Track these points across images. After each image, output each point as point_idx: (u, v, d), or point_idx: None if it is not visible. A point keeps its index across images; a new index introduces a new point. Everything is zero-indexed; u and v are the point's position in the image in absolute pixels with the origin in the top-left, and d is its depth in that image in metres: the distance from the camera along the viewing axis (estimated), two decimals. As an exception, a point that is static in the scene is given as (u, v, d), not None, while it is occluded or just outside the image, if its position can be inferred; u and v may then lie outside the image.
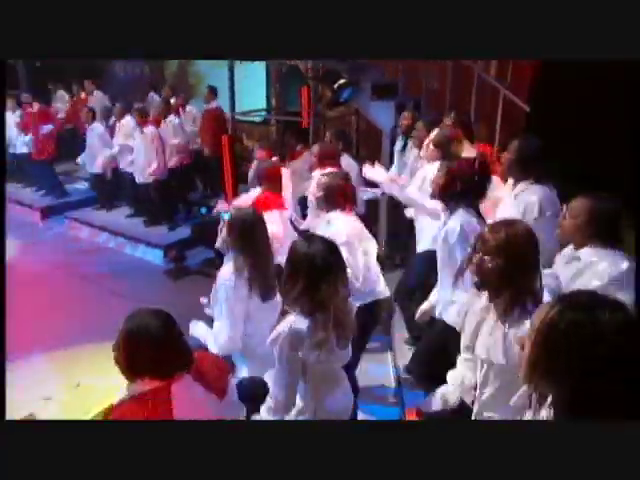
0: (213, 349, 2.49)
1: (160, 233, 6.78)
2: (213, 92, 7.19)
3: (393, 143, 5.07)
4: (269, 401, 2.09)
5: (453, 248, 2.62)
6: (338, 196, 3.08)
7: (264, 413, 2.11)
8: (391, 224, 5.35)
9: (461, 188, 2.69)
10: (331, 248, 2.08)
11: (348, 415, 2.26)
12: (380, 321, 3.54)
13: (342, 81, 5.06)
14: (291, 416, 2.12)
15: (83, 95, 9.06)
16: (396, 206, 4.40)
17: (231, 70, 6.23)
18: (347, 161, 4.49)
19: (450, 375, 2.23)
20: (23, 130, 7.90)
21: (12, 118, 7.97)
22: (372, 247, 3.16)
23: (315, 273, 2.00)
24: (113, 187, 7.50)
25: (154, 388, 1.71)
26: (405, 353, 3.85)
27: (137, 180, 6.71)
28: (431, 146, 3.64)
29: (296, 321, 2.00)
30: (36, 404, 3.66)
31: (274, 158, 4.92)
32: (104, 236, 7.07)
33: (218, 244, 2.79)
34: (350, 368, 2.61)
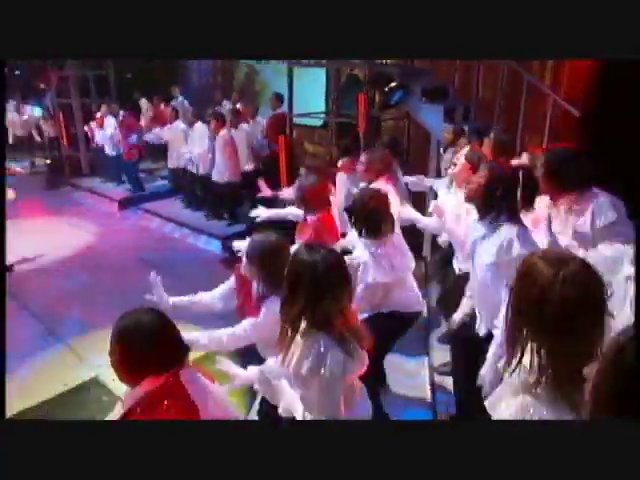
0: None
1: (220, 226, 7.29)
2: (279, 99, 7.63)
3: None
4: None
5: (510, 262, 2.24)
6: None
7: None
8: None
9: (501, 194, 2.44)
10: (335, 259, 1.90)
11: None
12: (403, 332, 3.29)
13: (393, 84, 5.26)
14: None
15: (162, 105, 9.78)
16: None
17: (290, 75, 6.59)
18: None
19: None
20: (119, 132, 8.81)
21: (108, 122, 8.92)
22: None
23: (317, 285, 1.81)
24: (187, 183, 8.08)
25: (162, 383, 1.64)
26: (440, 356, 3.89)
27: (213, 178, 7.22)
28: (461, 160, 3.47)
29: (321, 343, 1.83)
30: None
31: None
32: (170, 226, 7.67)
33: None
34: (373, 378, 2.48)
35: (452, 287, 3.51)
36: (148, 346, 1.63)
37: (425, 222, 3.59)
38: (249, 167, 7.41)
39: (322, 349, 1.81)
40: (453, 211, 3.31)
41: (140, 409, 1.62)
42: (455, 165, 3.53)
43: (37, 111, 11.18)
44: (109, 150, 9.03)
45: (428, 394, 3.73)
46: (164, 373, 1.64)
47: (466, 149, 3.81)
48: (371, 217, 2.91)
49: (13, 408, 3.67)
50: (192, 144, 7.44)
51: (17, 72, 12.93)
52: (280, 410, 2.13)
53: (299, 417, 2.00)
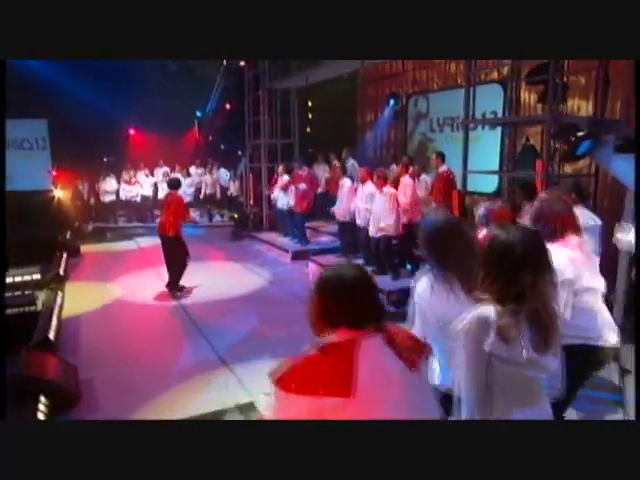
0: None
1: (385, 280, 7.17)
2: (441, 157, 7.63)
3: None
4: (462, 401, 1.88)
5: None
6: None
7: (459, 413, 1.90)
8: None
9: None
10: (532, 237, 1.92)
11: None
12: (597, 369, 3.08)
13: (581, 133, 4.83)
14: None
15: (338, 164, 10.36)
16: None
17: (466, 138, 6.56)
18: (581, 212, 4.20)
19: None
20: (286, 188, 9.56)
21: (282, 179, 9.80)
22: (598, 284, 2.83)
23: (514, 262, 1.83)
24: (353, 236, 8.24)
25: (344, 340, 1.60)
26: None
27: (370, 234, 7.29)
28: None
29: (484, 308, 1.84)
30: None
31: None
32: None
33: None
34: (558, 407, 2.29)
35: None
36: (344, 298, 1.62)
37: None
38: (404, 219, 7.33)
39: (474, 314, 1.82)
40: None
41: (306, 358, 1.57)
42: None
43: (224, 173, 13.04)
44: (281, 204, 9.80)
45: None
46: (356, 328, 1.60)
47: None
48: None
49: (163, 415, 3.90)
50: (360, 200, 7.65)
51: (222, 147, 15.08)
52: None
53: None
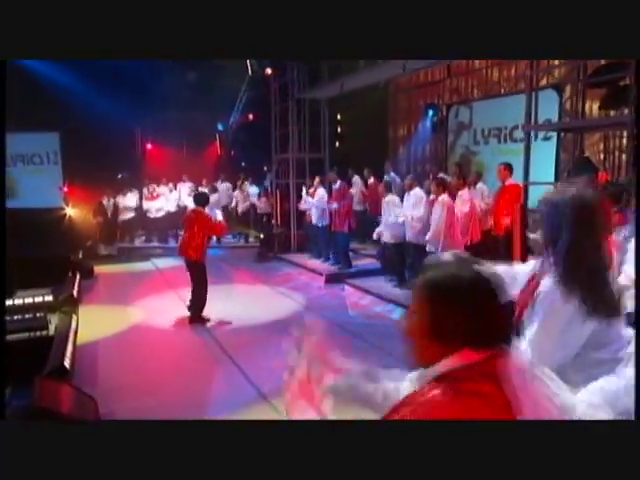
0: None
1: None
2: (509, 169, 7.12)
3: None
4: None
5: None
6: None
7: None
8: None
9: None
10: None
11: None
12: None
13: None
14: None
15: (372, 180, 9.94)
16: None
17: (527, 147, 6.13)
18: None
19: None
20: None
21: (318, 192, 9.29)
22: None
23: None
24: (398, 258, 7.76)
25: (476, 366, 1.21)
26: None
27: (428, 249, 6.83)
28: None
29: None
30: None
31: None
32: (379, 304, 7.28)
33: None
34: None
35: None
36: (466, 310, 1.22)
37: None
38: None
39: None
40: None
41: (440, 386, 1.20)
42: None
43: (254, 189, 12.48)
44: (316, 220, 9.24)
45: None
46: (483, 348, 1.21)
47: None
48: None
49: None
50: (407, 208, 7.25)
51: (243, 164, 14.74)
52: None
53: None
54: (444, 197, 6.64)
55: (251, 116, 14.18)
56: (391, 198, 7.67)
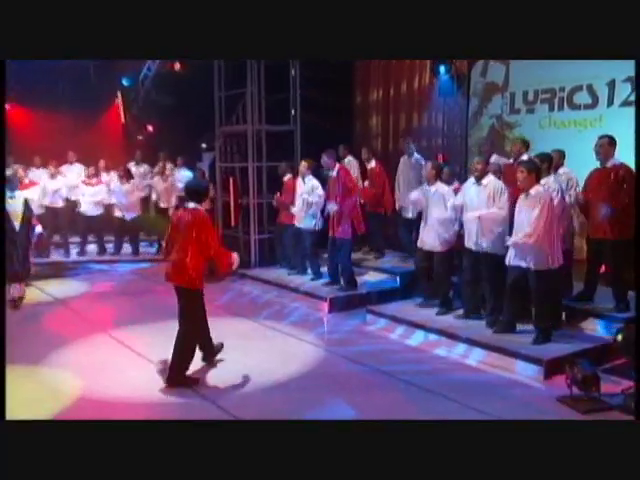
0: None
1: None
2: (614, 144, 5.63)
3: None
4: None
5: None
6: None
7: None
8: None
9: None
10: None
11: None
12: None
13: None
14: None
15: (374, 164, 8.28)
16: None
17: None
18: None
19: None
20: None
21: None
22: None
23: None
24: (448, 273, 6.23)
25: None
26: None
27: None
28: None
29: None
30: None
31: None
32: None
33: None
34: None
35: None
36: None
37: None
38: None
39: None
40: None
41: None
42: None
43: (185, 173, 9.73)
44: (301, 221, 7.46)
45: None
46: None
47: None
48: None
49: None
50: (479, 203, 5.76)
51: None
52: None
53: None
54: (538, 189, 5.07)
55: (178, 64, 10.85)
56: (443, 188, 6.11)
